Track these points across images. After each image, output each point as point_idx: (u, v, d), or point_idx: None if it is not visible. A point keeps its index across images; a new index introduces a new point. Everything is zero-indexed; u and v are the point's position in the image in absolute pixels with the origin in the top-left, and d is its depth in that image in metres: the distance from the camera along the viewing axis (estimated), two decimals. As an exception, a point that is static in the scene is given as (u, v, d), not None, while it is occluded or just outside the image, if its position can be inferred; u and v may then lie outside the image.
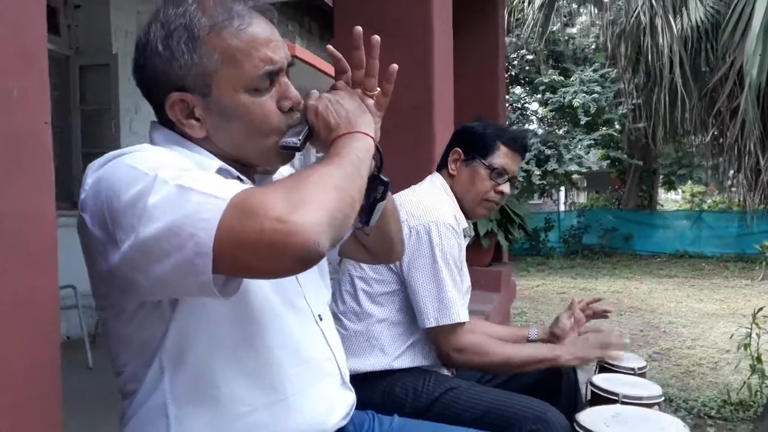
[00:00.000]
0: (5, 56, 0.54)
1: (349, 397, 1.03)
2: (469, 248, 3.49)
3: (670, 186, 17.26)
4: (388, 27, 2.20)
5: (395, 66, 0.94)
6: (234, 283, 0.76)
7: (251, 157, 0.91)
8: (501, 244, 3.53)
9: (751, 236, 10.35)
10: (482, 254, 3.49)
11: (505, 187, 1.67)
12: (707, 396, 4.32)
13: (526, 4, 4.88)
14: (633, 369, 1.64)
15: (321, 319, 0.99)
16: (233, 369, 0.86)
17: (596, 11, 4.62)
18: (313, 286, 1.00)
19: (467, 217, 1.69)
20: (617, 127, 13.72)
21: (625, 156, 14.36)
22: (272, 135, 0.89)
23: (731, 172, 3.19)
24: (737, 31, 2.94)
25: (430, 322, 1.46)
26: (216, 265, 0.70)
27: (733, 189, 3.24)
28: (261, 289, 0.88)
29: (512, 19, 5.72)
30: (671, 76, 3.28)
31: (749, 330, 3.99)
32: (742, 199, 3.32)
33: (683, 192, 19.87)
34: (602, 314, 1.78)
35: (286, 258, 0.69)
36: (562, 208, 21.14)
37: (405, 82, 2.18)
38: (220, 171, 0.85)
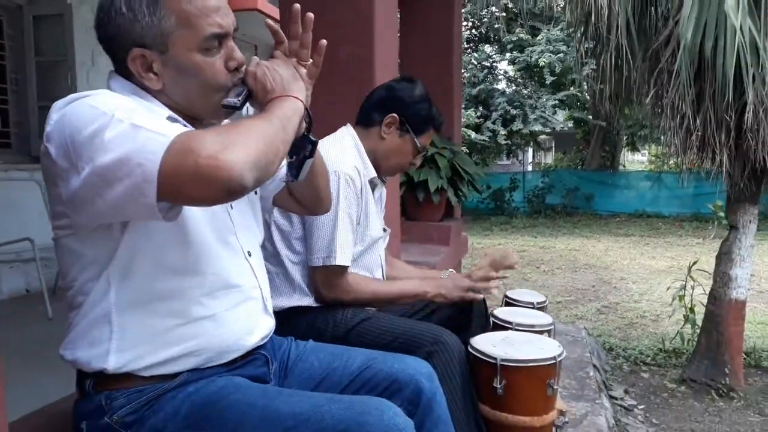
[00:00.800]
0: None
1: (270, 322, 1.17)
2: (421, 204, 3.64)
3: (633, 147, 17.62)
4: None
5: (324, 41, 1.06)
6: (176, 209, 0.89)
7: (199, 109, 1.04)
8: (451, 201, 3.65)
9: (707, 196, 10.71)
10: (433, 210, 3.61)
11: (418, 160, 1.84)
12: (645, 345, 4.61)
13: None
14: (532, 303, 1.82)
15: (250, 255, 1.12)
16: (171, 287, 0.99)
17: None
18: (245, 226, 1.13)
19: (379, 174, 1.80)
20: (584, 86, 13.85)
21: (590, 117, 14.56)
22: (219, 91, 1.02)
23: (669, 133, 3.33)
24: (678, -6, 3.03)
25: (316, 260, 1.58)
26: (160, 191, 0.82)
27: (670, 150, 3.39)
28: (198, 223, 1.00)
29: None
30: (617, 39, 3.36)
31: (684, 283, 4.25)
32: (679, 160, 3.47)
33: (648, 153, 20.32)
34: (509, 266, 1.90)
35: (215, 188, 0.82)
36: (529, 168, 21.47)
37: (344, 35, 2.23)
38: (169, 118, 0.97)
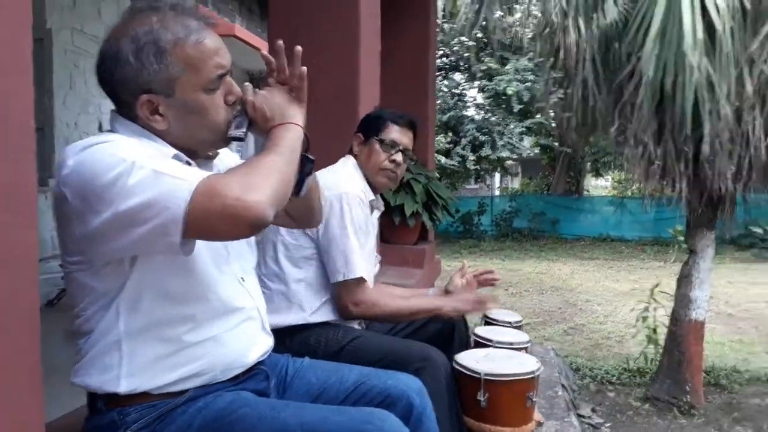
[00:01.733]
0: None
1: (268, 340, 1.24)
2: (397, 228, 3.73)
3: (597, 173, 18.17)
4: (318, 14, 2.34)
5: (304, 69, 1.14)
6: (192, 244, 0.97)
7: (201, 143, 1.11)
8: (426, 225, 3.76)
9: (668, 221, 11.11)
10: (408, 233, 3.71)
11: (398, 156, 1.90)
12: (610, 365, 4.76)
13: (459, -6, 5.07)
14: (510, 322, 1.94)
15: (243, 280, 1.19)
16: (175, 313, 1.06)
17: (535, 2, 4.85)
18: (238, 255, 1.19)
19: (377, 188, 1.93)
20: (551, 114, 14.26)
21: (556, 144, 14.99)
22: (220, 124, 1.10)
23: (633, 161, 3.52)
24: (640, 33, 3.24)
25: (338, 276, 1.69)
26: (186, 231, 0.91)
27: (632, 177, 3.58)
28: (198, 254, 1.06)
29: (448, 7, 5.91)
30: (584, 72, 3.56)
31: (647, 305, 4.43)
32: (642, 186, 3.66)
33: (612, 179, 20.93)
34: (490, 282, 2.02)
35: (242, 226, 0.92)
36: (496, 193, 21.86)
37: (333, 69, 2.35)
38: (175, 157, 1.04)
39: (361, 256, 1.70)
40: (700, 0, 2.95)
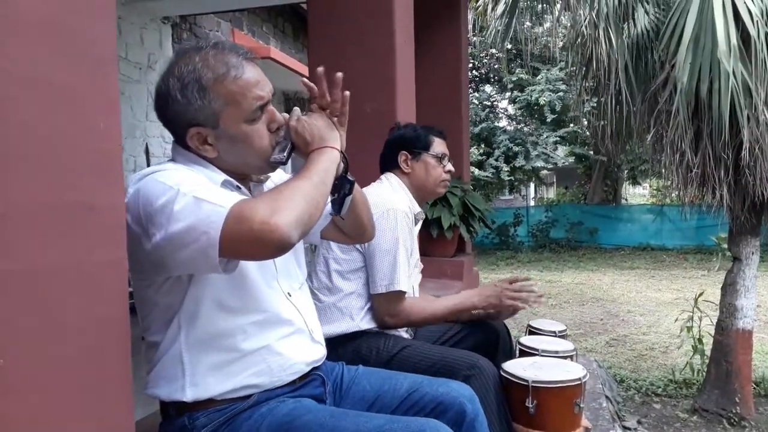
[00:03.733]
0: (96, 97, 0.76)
1: (320, 350, 1.31)
2: (435, 240, 3.78)
3: (635, 181, 17.85)
4: (356, 43, 2.45)
5: (347, 93, 1.22)
6: (233, 263, 1.05)
7: (249, 169, 1.21)
8: (464, 237, 3.80)
9: (710, 228, 10.85)
10: (446, 246, 3.76)
11: (450, 166, 2.05)
12: (655, 376, 4.68)
13: (489, 8, 5.14)
14: (554, 332, 1.98)
15: (290, 295, 1.26)
16: (230, 325, 1.14)
17: (564, 12, 4.89)
18: (285, 271, 1.27)
19: (429, 198, 2.07)
20: (584, 123, 14.13)
21: (591, 153, 14.82)
22: (265, 151, 1.18)
23: (671, 169, 3.50)
24: (672, 41, 3.24)
25: (380, 288, 1.77)
26: (221, 252, 0.98)
27: (670, 185, 3.56)
28: (249, 270, 1.16)
29: (477, 22, 5.99)
30: (617, 81, 3.57)
31: (692, 314, 4.35)
32: (681, 194, 3.63)
33: (650, 187, 20.51)
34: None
35: (267, 248, 0.99)
36: (531, 203, 21.65)
37: (371, 93, 2.44)
38: (224, 183, 1.14)
39: (405, 270, 1.78)
40: (732, 6, 2.95)
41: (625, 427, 3.63)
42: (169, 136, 1.23)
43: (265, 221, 0.96)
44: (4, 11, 0.65)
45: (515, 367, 1.66)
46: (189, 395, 1.11)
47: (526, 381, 1.57)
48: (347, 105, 1.22)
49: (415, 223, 1.97)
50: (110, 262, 0.80)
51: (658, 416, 3.95)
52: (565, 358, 1.78)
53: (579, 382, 1.59)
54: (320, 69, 1.19)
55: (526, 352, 1.88)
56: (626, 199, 20.19)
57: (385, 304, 1.78)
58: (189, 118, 1.13)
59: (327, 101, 1.21)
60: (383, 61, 2.36)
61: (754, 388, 4.18)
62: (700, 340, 4.27)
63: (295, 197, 1.02)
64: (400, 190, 1.97)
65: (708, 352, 4.07)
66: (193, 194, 1.00)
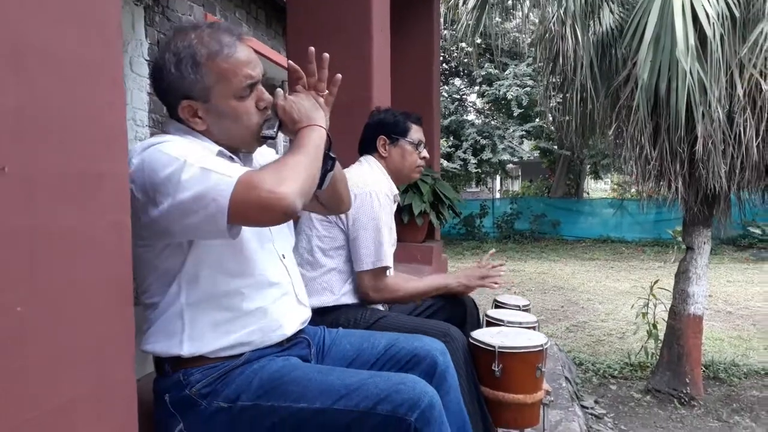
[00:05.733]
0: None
1: (305, 311, 1.40)
2: (406, 226, 3.88)
3: (596, 175, 18.33)
4: (333, 30, 2.51)
5: (339, 75, 1.31)
6: (237, 229, 1.12)
7: (237, 143, 1.28)
8: (433, 223, 3.91)
9: (667, 222, 11.27)
10: (417, 232, 3.86)
11: (425, 152, 2.14)
12: (612, 360, 4.90)
13: (461, 2, 5.23)
14: (519, 306, 2.12)
15: (284, 257, 1.35)
16: (228, 287, 1.22)
17: (533, 9, 5.02)
18: (280, 235, 1.36)
19: (403, 182, 2.17)
20: (550, 118, 14.40)
21: (555, 147, 15.16)
22: (252, 127, 1.25)
23: (630, 163, 3.67)
24: (635, 40, 3.39)
25: (365, 265, 1.86)
26: (230, 218, 1.05)
27: (630, 178, 3.75)
28: (246, 235, 1.22)
29: (449, 16, 6.08)
30: (581, 77, 3.72)
31: (647, 301, 4.57)
32: (639, 187, 3.81)
33: (611, 182, 21.07)
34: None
35: (275, 214, 1.07)
36: (497, 195, 22.01)
37: (347, 80, 2.50)
38: (219, 153, 1.21)
39: (389, 247, 1.88)
40: (691, 7, 3.11)
41: (582, 406, 3.81)
42: (140, 119, 1.29)
43: (272, 190, 1.04)
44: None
45: (483, 335, 1.79)
46: (186, 350, 1.18)
47: (493, 347, 1.70)
48: (337, 86, 1.30)
49: (394, 203, 2.06)
50: (116, 225, 0.86)
51: (613, 396, 4.16)
52: (528, 328, 1.92)
53: (541, 349, 1.73)
54: (311, 49, 1.26)
55: (493, 323, 2.02)
56: (588, 193, 20.70)
57: (371, 281, 1.88)
58: (182, 90, 1.20)
59: (314, 81, 1.28)
60: (360, 49, 2.43)
61: (704, 370, 4.43)
62: (654, 326, 4.49)
63: (296, 170, 1.11)
64: (378, 171, 2.05)
65: (662, 337, 4.29)
66: (199, 165, 1.07)
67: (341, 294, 1.88)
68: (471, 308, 2.06)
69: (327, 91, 1.31)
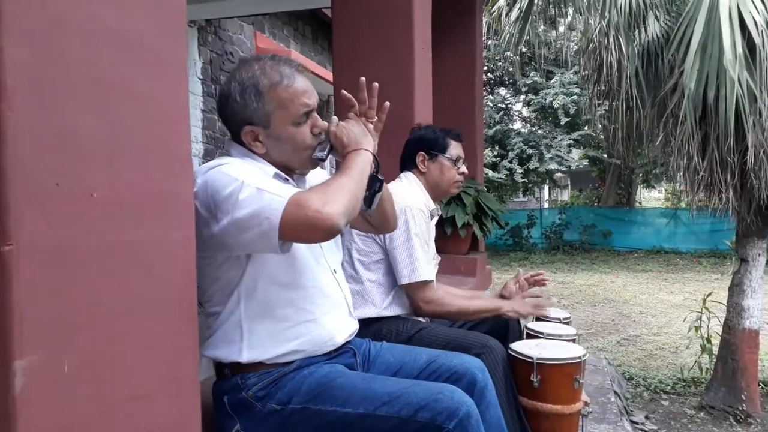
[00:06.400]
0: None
1: (354, 323, 1.49)
2: (449, 238, 3.93)
3: (648, 184, 17.83)
4: (377, 48, 2.60)
5: (387, 103, 1.41)
6: (289, 245, 1.21)
7: (293, 165, 1.39)
8: (477, 235, 3.94)
9: (725, 232, 10.85)
10: (460, 244, 3.90)
11: (464, 168, 2.21)
12: (664, 374, 4.78)
13: (504, 14, 5.27)
14: (559, 318, 2.14)
15: (335, 272, 1.45)
16: (284, 298, 1.32)
17: (577, 16, 5.00)
18: (330, 250, 1.47)
19: (442, 197, 2.24)
20: (599, 126, 14.16)
21: (605, 156, 14.85)
22: (307, 150, 1.37)
23: (679, 173, 3.61)
24: (681, 48, 3.36)
25: (404, 279, 1.93)
26: (280, 235, 1.14)
27: (681, 188, 3.68)
28: (300, 250, 1.33)
29: (492, 26, 6.12)
30: (627, 86, 3.70)
31: (700, 314, 4.45)
32: (689, 197, 3.74)
33: (665, 191, 20.44)
34: (541, 283, 2.22)
35: (320, 232, 1.16)
36: (545, 205, 21.67)
37: (390, 97, 2.59)
38: (275, 175, 1.32)
39: (424, 260, 1.94)
40: (738, 15, 3.06)
41: (632, 422, 3.74)
42: (194, 136, 1.42)
43: (318, 210, 1.13)
44: (110, 38, 0.82)
45: (522, 347, 1.84)
46: (245, 357, 1.29)
47: (531, 358, 1.74)
48: (385, 113, 1.41)
49: (431, 218, 2.12)
50: (184, 239, 0.97)
51: (665, 412, 4.06)
52: (567, 341, 1.95)
53: (579, 360, 1.76)
54: (362, 79, 1.37)
55: (532, 336, 2.06)
56: (640, 203, 20.13)
57: (415, 293, 1.96)
58: (245, 117, 1.32)
59: (365, 108, 1.39)
60: (402, 67, 2.52)
61: (763, 387, 4.27)
62: (708, 340, 4.36)
63: (341, 191, 1.20)
64: (416, 187, 2.13)
65: (716, 351, 4.16)
66: (256, 186, 1.18)
67: (383, 307, 1.96)
68: (513, 322, 2.10)
69: (376, 118, 1.41)
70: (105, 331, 0.80)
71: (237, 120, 1.33)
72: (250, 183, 1.18)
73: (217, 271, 1.29)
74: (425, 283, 1.95)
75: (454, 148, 2.17)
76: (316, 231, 1.15)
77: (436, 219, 2.22)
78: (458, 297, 2.07)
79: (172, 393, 0.95)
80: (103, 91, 0.79)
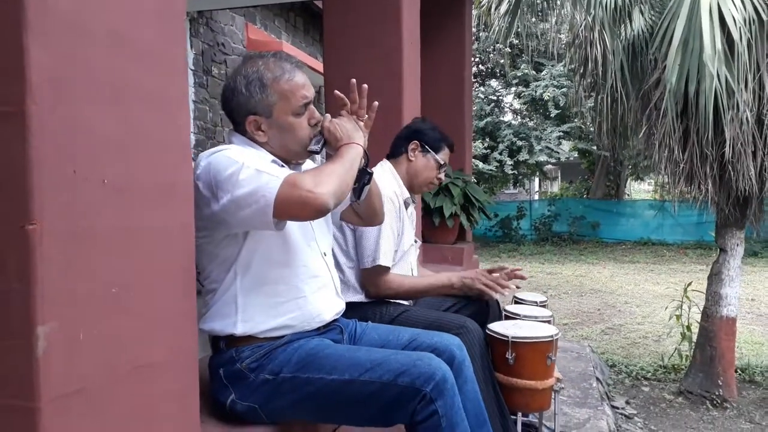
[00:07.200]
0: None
1: (341, 303, 1.60)
2: (437, 228, 4.03)
3: (637, 176, 18.02)
4: (366, 43, 2.68)
5: (376, 103, 1.53)
6: (283, 223, 1.31)
7: (290, 154, 1.50)
8: (464, 225, 4.04)
9: (710, 224, 11.00)
10: (447, 233, 4.00)
11: (442, 175, 2.33)
12: (646, 362, 4.91)
13: (493, 7, 5.34)
14: (536, 302, 2.27)
15: (325, 255, 1.56)
16: (277, 275, 1.42)
17: (569, 8, 5.08)
18: (321, 234, 1.57)
19: (414, 191, 2.31)
20: (588, 118, 14.26)
21: (594, 148, 15.00)
22: (304, 140, 1.48)
23: (661, 165, 3.72)
24: (664, 43, 3.45)
25: (366, 263, 2.01)
26: (275, 213, 1.24)
27: (661, 180, 3.79)
28: (292, 230, 1.43)
29: (482, 19, 6.18)
30: (612, 80, 3.79)
31: (681, 303, 4.58)
32: (670, 189, 3.86)
33: (654, 182, 20.63)
34: (518, 276, 2.29)
35: (311, 211, 1.26)
36: (535, 197, 21.84)
37: (379, 88, 2.67)
38: (273, 161, 1.42)
39: (388, 247, 2.02)
40: (718, 12, 3.16)
41: (613, 406, 3.87)
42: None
43: (310, 189, 1.24)
44: (119, 41, 0.90)
45: (498, 327, 1.97)
46: (239, 329, 1.39)
47: (507, 337, 1.87)
48: (374, 112, 1.53)
49: (406, 207, 2.20)
50: (184, 224, 1.05)
51: (645, 397, 4.19)
52: (542, 322, 2.07)
53: (551, 339, 1.89)
54: (353, 81, 1.49)
55: (510, 317, 2.19)
56: (629, 195, 20.33)
57: (368, 277, 2.04)
58: (249, 108, 1.44)
59: (355, 107, 1.51)
60: (391, 62, 2.61)
61: (740, 373, 4.41)
62: (688, 328, 4.49)
63: (332, 175, 1.32)
64: (390, 176, 2.21)
65: (695, 339, 4.30)
66: (255, 167, 1.29)
67: (364, 292, 2.05)
68: (493, 306, 2.20)
69: (366, 116, 1.53)
70: (113, 304, 0.89)
71: (241, 111, 1.44)
72: (249, 165, 1.28)
73: (216, 248, 1.39)
74: (380, 269, 2.01)
75: (445, 155, 2.28)
76: (308, 209, 1.25)
77: (412, 207, 2.31)
78: (408, 277, 2.15)
79: (174, 364, 1.04)
80: (113, 88, 0.87)
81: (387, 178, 2.18)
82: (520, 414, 1.99)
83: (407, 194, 2.24)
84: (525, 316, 2.13)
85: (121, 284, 0.89)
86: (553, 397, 1.96)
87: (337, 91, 1.52)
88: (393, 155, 2.30)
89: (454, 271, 3.76)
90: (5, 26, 0.73)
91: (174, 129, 1.01)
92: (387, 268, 2.04)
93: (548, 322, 2.11)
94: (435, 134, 2.28)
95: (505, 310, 2.21)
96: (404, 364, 1.32)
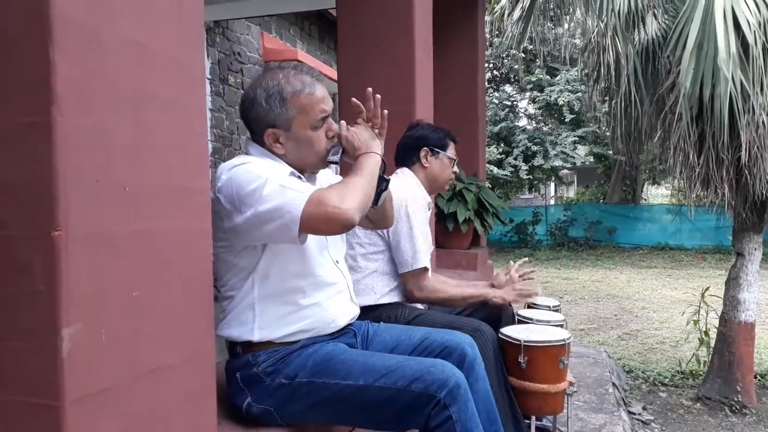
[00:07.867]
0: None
1: (355, 308, 1.63)
2: (451, 233, 4.04)
3: (654, 181, 17.83)
4: (380, 50, 2.72)
5: (386, 111, 1.55)
6: (305, 237, 1.35)
7: (307, 165, 1.54)
8: (478, 231, 4.05)
9: (729, 229, 10.84)
10: (461, 239, 4.01)
11: (456, 168, 2.41)
12: (663, 367, 4.86)
13: (506, 14, 5.35)
14: (549, 306, 2.28)
15: (338, 263, 1.59)
16: (293, 284, 1.45)
17: (582, 13, 5.07)
18: (334, 243, 1.60)
19: (436, 192, 2.42)
20: (604, 123, 14.16)
21: (610, 152, 14.88)
22: (321, 153, 1.51)
23: (676, 169, 3.70)
24: (678, 48, 3.44)
25: (407, 267, 2.08)
26: (301, 228, 1.29)
27: (677, 184, 3.77)
28: (308, 243, 1.44)
29: (495, 25, 6.19)
30: (625, 85, 3.78)
31: (698, 308, 4.53)
32: (686, 193, 3.83)
33: (672, 187, 20.38)
34: (529, 277, 2.35)
35: (337, 226, 1.32)
36: (551, 202, 21.69)
37: (392, 94, 2.70)
38: (291, 173, 1.45)
39: (425, 251, 2.09)
40: (733, 16, 3.14)
41: (630, 412, 3.84)
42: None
43: (336, 206, 1.28)
44: (139, 51, 0.93)
45: (511, 330, 1.99)
46: (257, 336, 1.43)
47: (519, 341, 1.89)
48: (386, 120, 1.56)
49: (428, 210, 2.27)
50: (200, 230, 1.08)
51: (662, 403, 4.15)
52: (555, 326, 2.09)
53: (563, 343, 1.90)
54: (369, 90, 1.51)
55: (523, 321, 2.21)
56: (646, 199, 20.12)
57: (412, 280, 2.10)
58: (268, 120, 1.47)
59: (371, 116, 1.53)
60: (404, 69, 2.64)
61: (759, 379, 4.34)
62: (706, 333, 4.44)
63: (356, 190, 1.36)
64: (413, 182, 2.28)
65: (713, 344, 4.25)
66: (279, 183, 1.33)
67: (381, 294, 2.10)
68: (506, 311, 2.23)
69: (382, 125, 1.55)
70: (134, 307, 0.92)
71: (261, 123, 1.47)
72: (273, 180, 1.31)
73: (235, 258, 1.43)
74: (422, 271, 2.10)
75: (452, 149, 2.35)
76: (335, 225, 1.30)
77: (431, 211, 2.37)
78: (449, 285, 2.22)
79: (191, 366, 1.07)
80: (134, 97, 0.91)
81: (411, 184, 2.25)
82: (533, 418, 2.00)
83: (429, 198, 2.32)
84: (538, 321, 2.16)
85: (142, 288, 0.93)
86: (566, 400, 1.97)
87: (354, 99, 1.54)
88: (405, 164, 2.36)
89: (468, 276, 3.77)
90: (33, 41, 0.77)
91: (192, 136, 1.04)
92: (427, 269, 2.11)
93: (561, 326, 2.13)
94: (437, 134, 2.34)
95: (517, 315, 2.24)
96: (418, 371, 1.34)
